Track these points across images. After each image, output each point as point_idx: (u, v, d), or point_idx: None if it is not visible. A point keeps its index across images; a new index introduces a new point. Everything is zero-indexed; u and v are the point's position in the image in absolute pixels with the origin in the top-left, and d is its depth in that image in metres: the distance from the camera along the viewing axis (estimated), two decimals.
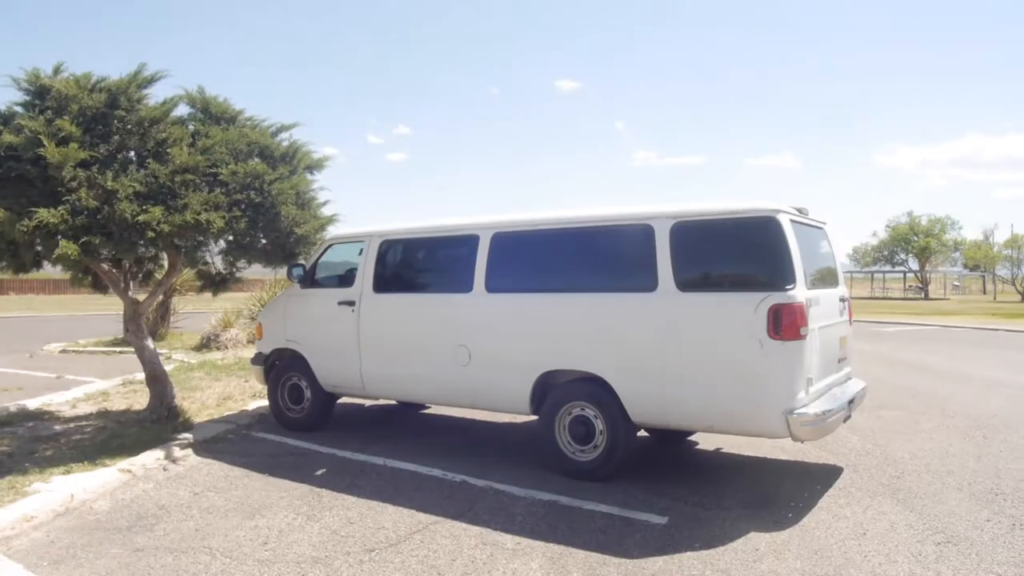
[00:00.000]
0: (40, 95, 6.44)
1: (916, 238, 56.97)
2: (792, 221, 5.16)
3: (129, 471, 5.77)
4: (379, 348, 6.71)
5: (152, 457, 6.10)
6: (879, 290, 59.81)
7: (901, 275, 61.63)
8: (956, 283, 65.70)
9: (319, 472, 5.91)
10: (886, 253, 60.31)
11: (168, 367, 10.74)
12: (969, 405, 8.52)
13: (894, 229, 58.89)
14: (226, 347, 13.91)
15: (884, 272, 62.33)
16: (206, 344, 14.10)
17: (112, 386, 9.74)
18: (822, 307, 5.32)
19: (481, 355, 6.06)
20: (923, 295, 53.65)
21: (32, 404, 8.41)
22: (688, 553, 4.17)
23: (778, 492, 5.29)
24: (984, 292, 59.91)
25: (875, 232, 62.23)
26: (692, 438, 6.76)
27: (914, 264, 58.61)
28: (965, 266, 60.23)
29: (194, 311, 17.81)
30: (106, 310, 24.24)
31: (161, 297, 15.17)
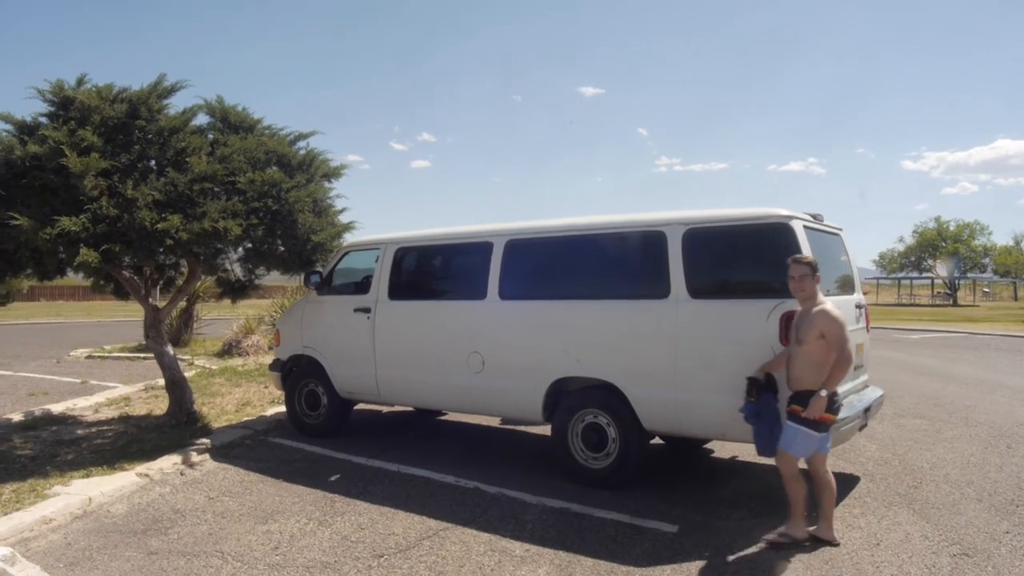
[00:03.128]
0: (64, 106, 6.60)
1: (944, 244, 56.03)
2: (806, 228, 5.12)
3: (147, 475, 5.86)
4: (394, 354, 6.75)
5: (170, 462, 6.19)
6: (906, 297, 58.86)
7: (929, 281, 60.59)
8: (986, 289, 64.52)
9: (333, 478, 5.95)
10: (913, 259, 59.38)
11: (189, 373, 10.93)
12: (994, 414, 8.36)
13: (921, 234, 58.01)
14: (247, 353, 14.05)
15: (912, 278, 61.33)
16: (228, 350, 14.25)
17: (134, 391, 9.90)
18: None
19: (494, 362, 6.08)
20: (951, 301, 52.73)
21: (56, 408, 8.58)
22: (697, 562, 4.14)
23: None
24: (1016, 299, 58.82)
25: (902, 238, 61.09)
26: (708, 446, 6.71)
27: (942, 270, 57.60)
28: (995, 272, 59.15)
29: (218, 317, 18.06)
30: (132, 316, 24.68)
31: (184, 304, 15.42)
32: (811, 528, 4.47)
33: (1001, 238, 63.75)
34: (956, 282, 56.99)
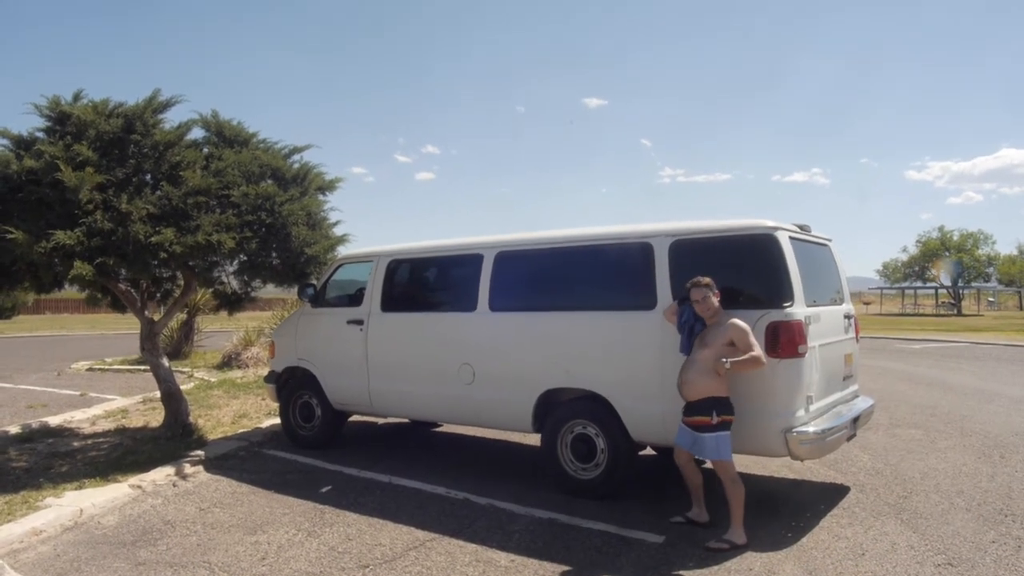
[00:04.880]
0: (60, 121, 6.68)
1: (948, 253, 55.89)
2: (791, 238, 5.14)
3: (139, 487, 5.89)
4: (386, 366, 6.78)
5: (163, 473, 6.22)
6: (910, 306, 58.70)
7: (933, 291, 60.39)
8: (991, 299, 64.28)
9: (324, 489, 5.98)
10: (917, 269, 59.22)
11: (188, 385, 10.99)
12: (989, 424, 8.35)
13: (925, 244, 57.87)
14: (247, 365, 14.09)
15: (915, 288, 61.14)
16: (227, 362, 14.31)
17: (132, 403, 9.94)
18: (824, 324, 5.28)
19: (485, 373, 6.11)
20: (956, 311, 52.57)
21: (54, 421, 8.63)
22: (681, 572, 4.15)
23: (780, 511, 5.24)
24: (1020, 308, 58.59)
25: (905, 247, 60.92)
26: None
27: (946, 280, 57.44)
28: (1000, 281, 58.94)
29: (219, 330, 18.14)
30: (135, 329, 24.72)
31: (185, 316, 15.51)
32: (691, 512, 4.99)
33: (1005, 247, 63.43)
34: (960, 292, 56.80)
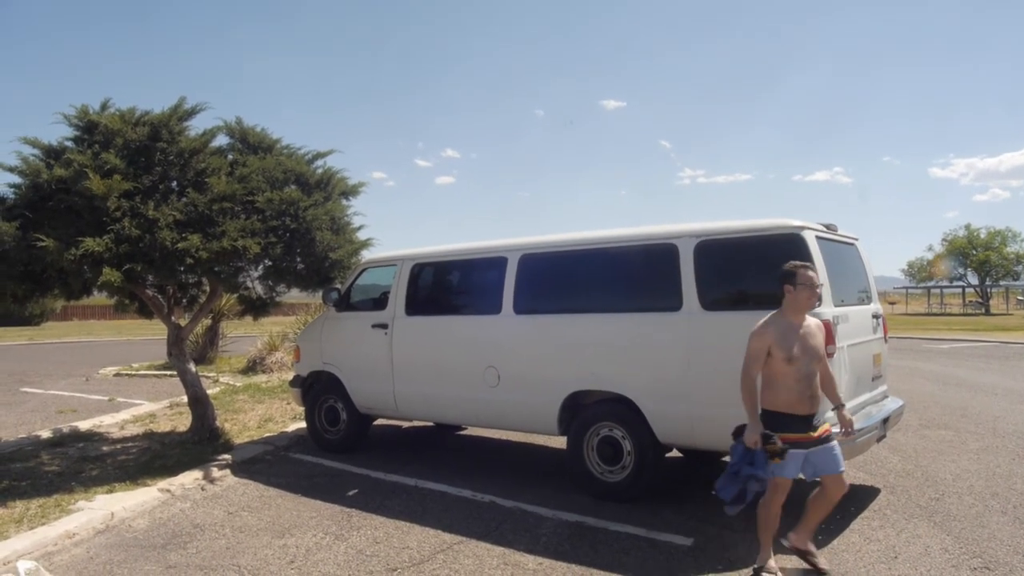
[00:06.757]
0: (89, 130, 6.78)
1: (975, 251, 54.93)
2: (818, 238, 5.09)
3: (168, 491, 5.95)
4: (411, 370, 6.80)
5: (191, 477, 6.28)
6: (937, 306, 57.82)
7: (960, 290, 59.41)
8: (1020, 297, 63.14)
9: (351, 493, 6.00)
10: (943, 267, 58.25)
11: (214, 390, 11.09)
12: (1023, 424, 8.19)
13: (951, 243, 56.91)
14: (272, 370, 14.20)
15: (942, 287, 60.17)
16: (252, 367, 14.42)
17: (159, 408, 10.06)
18: (852, 324, 5.22)
19: (510, 376, 6.10)
20: (984, 310, 51.71)
21: (84, 426, 8.75)
22: (710, 575, 4.11)
23: None
24: None
25: (931, 246, 59.93)
26: (726, 458, 6.65)
27: (973, 278, 56.48)
28: None
29: (244, 335, 18.29)
30: (160, 334, 24.96)
31: (209, 321, 15.66)
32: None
33: None
34: (988, 290, 55.84)
